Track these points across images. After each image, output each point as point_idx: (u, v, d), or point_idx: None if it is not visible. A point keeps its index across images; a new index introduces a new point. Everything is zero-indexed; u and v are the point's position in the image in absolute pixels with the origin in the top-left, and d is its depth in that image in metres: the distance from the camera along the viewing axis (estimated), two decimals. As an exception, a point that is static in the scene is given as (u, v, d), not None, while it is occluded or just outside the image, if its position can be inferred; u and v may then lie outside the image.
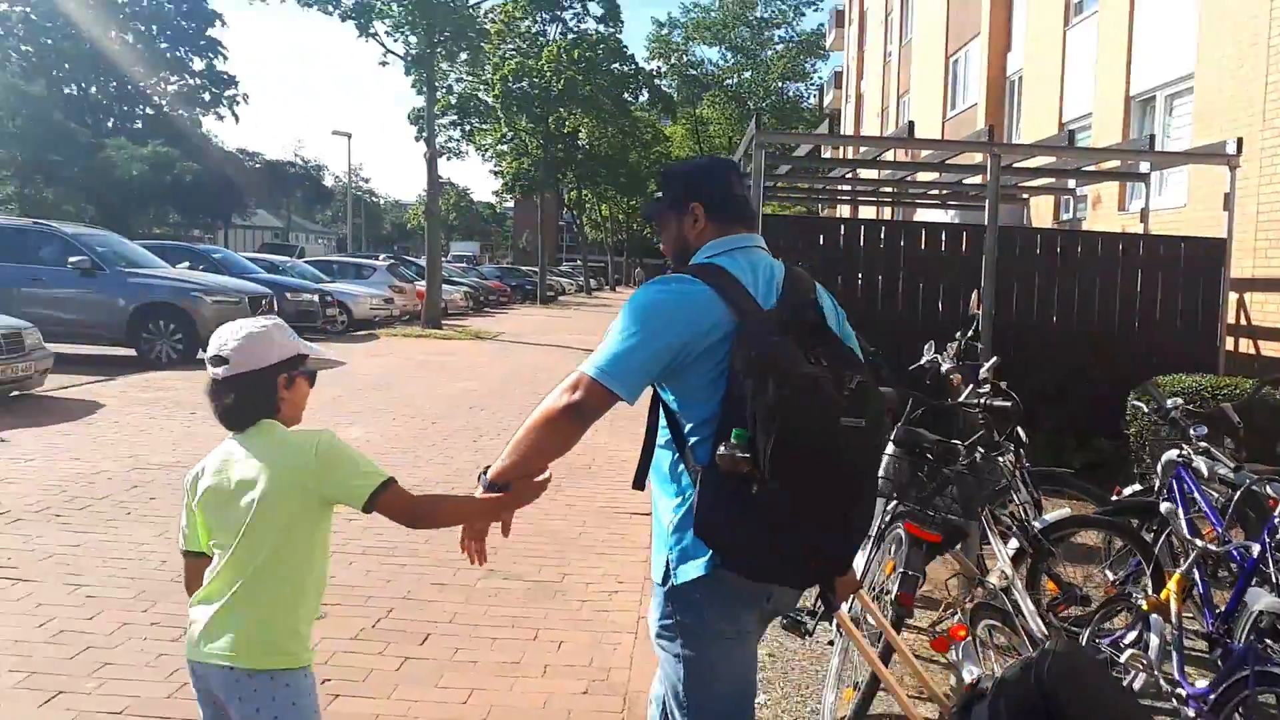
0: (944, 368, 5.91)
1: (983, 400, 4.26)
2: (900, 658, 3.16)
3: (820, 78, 52.34)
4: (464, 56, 30.57)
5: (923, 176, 11.63)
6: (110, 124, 50.78)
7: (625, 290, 55.17)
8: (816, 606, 4.65)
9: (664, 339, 2.06)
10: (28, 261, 12.98)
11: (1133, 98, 12.61)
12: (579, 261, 60.14)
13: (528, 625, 4.48)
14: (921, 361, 6.06)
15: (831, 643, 3.80)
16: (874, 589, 3.71)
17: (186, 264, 17.51)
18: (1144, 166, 9.89)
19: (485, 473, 2.19)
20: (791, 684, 4.05)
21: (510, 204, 68.99)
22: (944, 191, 12.92)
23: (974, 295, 6.68)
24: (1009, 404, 4.19)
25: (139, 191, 42.78)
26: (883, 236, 8.40)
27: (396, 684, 3.78)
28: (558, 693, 3.81)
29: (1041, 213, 15.51)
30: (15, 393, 9.53)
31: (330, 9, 23.99)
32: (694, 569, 2.10)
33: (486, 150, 42.06)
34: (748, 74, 46.03)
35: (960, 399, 4.54)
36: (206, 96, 55.76)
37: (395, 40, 25.56)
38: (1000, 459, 4.08)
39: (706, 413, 2.08)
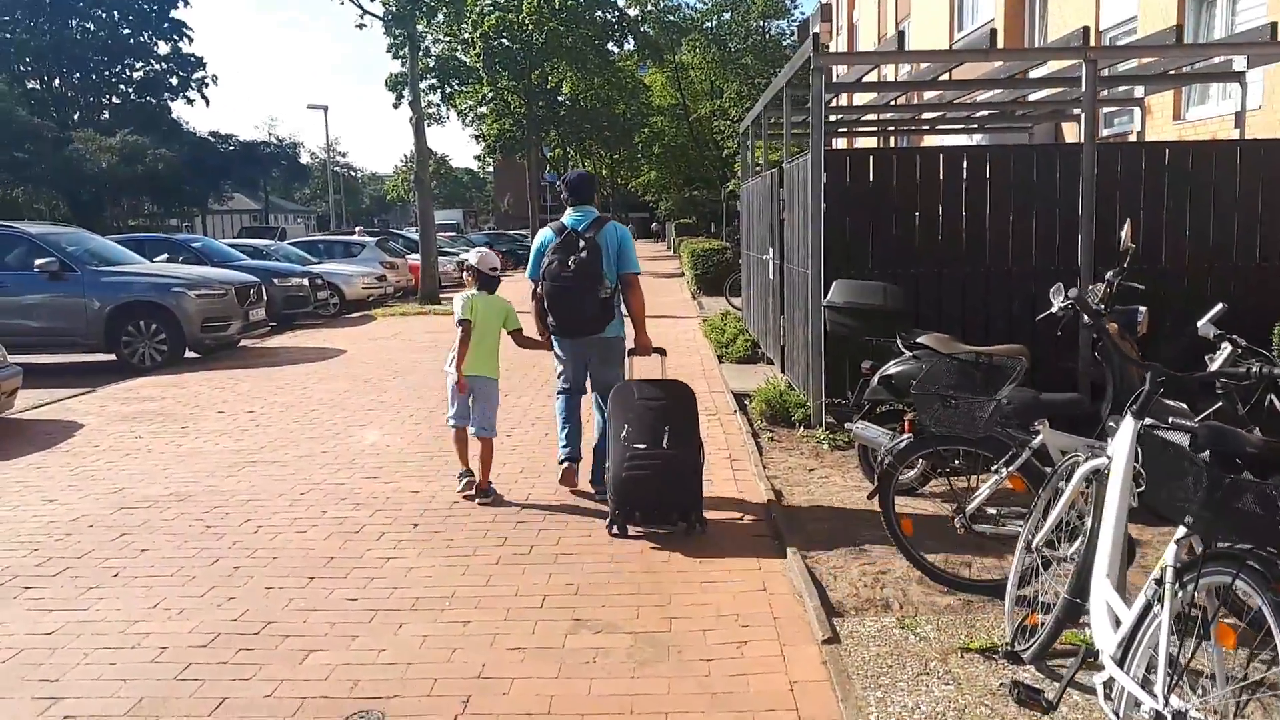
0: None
1: (1252, 367, 3.14)
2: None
3: (802, 12, 50.48)
4: (442, 16, 29.09)
5: (982, 96, 10.41)
6: (76, 116, 49.09)
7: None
8: (1023, 646, 3.63)
9: (536, 250, 5.95)
10: (-11, 267, 11.77)
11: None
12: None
13: (648, 709, 3.38)
14: (1053, 309, 4.90)
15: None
16: (1175, 659, 2.58)
17: (165, 257, 16.49)
18: (1238, 64, 8.73)
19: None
20: (1021, 770, 3.00)
21: (491, 168, 67.23)
22: (989, 114, 11.73)
23: (1125, 226, 5.58)
24: (1283, 370, 3.06)
25: (110, 184, 41.29)
26: (965, 166, 7.26)
27: (500, 834, 2.71)
28: (721, 823, 2.75)
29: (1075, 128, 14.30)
30: (-19, 420, 8.40)
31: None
32: None
33: (467, 113, 40.39)
34: (727, 15, 44.13)
35: (1217, 365, 3.44)
36: (174, 81, 54.20)
37: (373, 1, 24.06)
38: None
39: None
